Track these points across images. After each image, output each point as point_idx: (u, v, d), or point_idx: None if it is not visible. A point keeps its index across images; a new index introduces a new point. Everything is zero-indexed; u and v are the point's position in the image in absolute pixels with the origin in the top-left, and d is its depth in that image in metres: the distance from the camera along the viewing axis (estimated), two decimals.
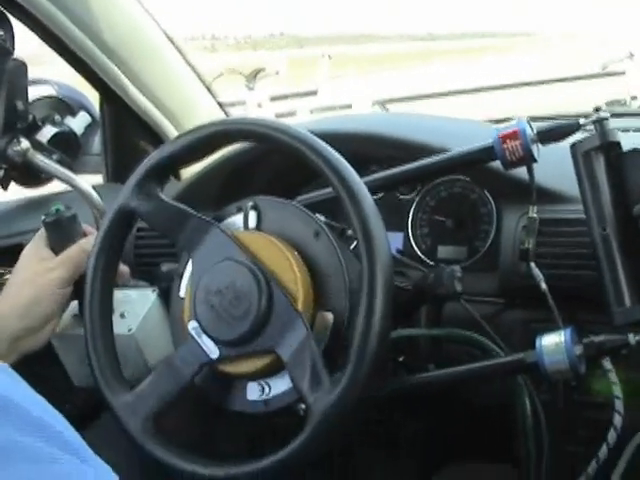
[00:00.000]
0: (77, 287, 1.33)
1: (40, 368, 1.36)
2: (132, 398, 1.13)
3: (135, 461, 1.22)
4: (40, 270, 1.30)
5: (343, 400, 0.99)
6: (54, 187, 1.81)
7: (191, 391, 1.14)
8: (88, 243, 1.32)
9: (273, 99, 2.56)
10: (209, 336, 1.12)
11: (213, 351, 1.11)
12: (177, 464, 1.09)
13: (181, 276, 1.23)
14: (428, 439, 1.74)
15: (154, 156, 1.23)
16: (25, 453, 0.55)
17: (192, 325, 1.13)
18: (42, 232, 1.34)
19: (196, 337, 1.13)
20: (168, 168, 1.25)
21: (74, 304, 1.41)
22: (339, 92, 2.60)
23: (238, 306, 1.09)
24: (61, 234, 1.33)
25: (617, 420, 1.13)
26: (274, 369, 1.12)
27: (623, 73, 2.12)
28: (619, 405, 1.14)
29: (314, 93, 2.69)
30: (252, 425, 1.55)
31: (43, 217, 1.33)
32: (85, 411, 1.58)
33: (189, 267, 1.21)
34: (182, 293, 1.22)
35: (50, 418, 0.60)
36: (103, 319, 1.23)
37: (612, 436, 1.12)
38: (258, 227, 1.19)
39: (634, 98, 1.80)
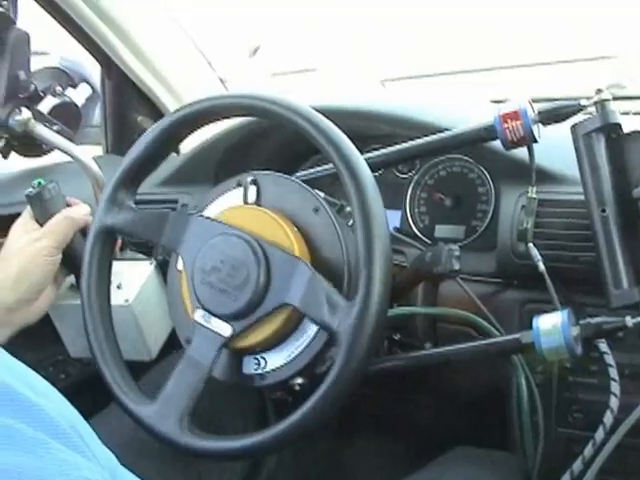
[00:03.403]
0: (68, 258, 1.34)
1: (37, 340, 1.37)
2: (160, 406, 1.11)
3: (135, 441, 1.23)
4: (27, 241, 1.31)
5: (364, 313, 0.98)
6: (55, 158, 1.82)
7: (212, 378, 1.13)
8: (72, 212, 1.35)
9: (274, 75, 2.55)
10: (217, 316, 1.12)
11: (226, 329, 1.11)
12: (216, 448, 1.08)
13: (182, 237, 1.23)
14: (422, 424, 1.75)
15: (122, 166, 1.23)
16: (18, 440, 0.52)
17: (198, 314, 1.13)
18: (27, 207, 1.36)
19: (205, 324, 1.12)
20: (142, 171, 1.25)
21: (71, 276, 1.41)
22: (339, 69, 2.58)
23: (237, 275, 1.09)
24: (44, 206, 1.35)
25: (613, 402, 1.13)
26: (289, 329, 1.12)
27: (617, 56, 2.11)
28: (615, 387, 1.14)
29: (313, 70, 2.68)
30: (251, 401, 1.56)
31: (26, 192, 1.34)
32: (81, 382, 1.59)
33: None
34: (179, 265, 1.22)
35: (32, 393, 0.57)
36: (100, 291, 1.23)
37: (608, 418, 1.12)
38: (257, 202, 1.19)
39: (634, 81, 1.80)
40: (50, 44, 1.89)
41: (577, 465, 1.12)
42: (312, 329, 1.11)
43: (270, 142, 1.66)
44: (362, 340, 0.99)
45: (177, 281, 1.23)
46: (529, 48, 2.33)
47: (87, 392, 1.15)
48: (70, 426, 0.57)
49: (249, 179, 1.20)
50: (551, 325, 1.08)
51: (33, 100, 1.60)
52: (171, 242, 1.18)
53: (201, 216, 1.19)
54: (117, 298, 1.35)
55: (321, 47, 2.91)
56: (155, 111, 1.93)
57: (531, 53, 2.26)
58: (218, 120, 1.24)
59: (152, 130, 1.22)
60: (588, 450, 1.12)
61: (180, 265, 1.22)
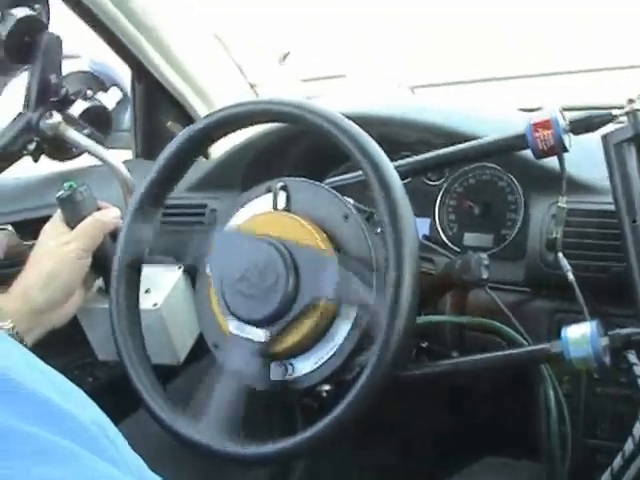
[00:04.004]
0: (97, 261, 1.35)
1: (65, 343, 1.38)
2: (210, 427, 1.10)
3: (163, 447, 1.23)
4: (57, 244, 1.33)
5: (393, 320, 0.99)
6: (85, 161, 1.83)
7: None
8: (102, 215, 1.37)
9: (305, 81, 2.55)
10: (251, 323, 1.12)
11: (261, 335, 1.11)
12: (262, 452, 1.09)
13: (207, 253, 1.23)
14: (449, 434, 1.74)
15: (150, 175, 1.24)
16: (24, 444, 0.48)
17: (232, 325, 1.14)
18: (58, 210, 1.37)
19: (240, 333, 1.13)
20: (171, 179, 1.26)
21: (100, 280, 1.42)
22: (368, 75, 2.58)
23: (266, 279, 1.10)
24: (75, 209, 1.36)
25: None
26: (323, 327, 1.12)
27: None
28: None
29: (343, 76, 2.68)
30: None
31: (57, 194, 1.35)
32: (108, 385, 1.59)
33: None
34: (208, 270, 1.23)
35: (62, 400, 0.54)
36: (129, 294, 1.24)
37: (638, 430, 1.11)
38: (287, 208, 1.19)
39: None
40: (81, 48, 1.90)
41: (606, 477, 1.12)
42: (341, 335, 1.11)
43: (299, 148, 1.66)
44: (390, 347, 0.99)
45: (205, 286, 1.23)
46: (560, 56, 2.32)
47: (114, 395, 1.15)
48: (101, 431, 0.56)
49: (279, 185, 1.21)
50: (580, 335, 1.07)
51: (64, 104, 1.61)
52: (197, 259, 1.19)
53: (223, 232, 1.19)
54: (146, 302, 1.36)
55: (351, 53, 2.91)
56: (185, 116, 1.93)
57: (561, 61, 2.26)
58: (248, 126, 1.25)
59: (180, 137, 1.23)
60: (617, 462, 1.11)
61: (208, 269, 1.22)
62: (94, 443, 0.53)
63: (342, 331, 1.11)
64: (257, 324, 1.11)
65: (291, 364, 1.15)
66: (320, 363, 1.13)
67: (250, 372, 1.13)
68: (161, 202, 1.26)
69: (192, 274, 1.35)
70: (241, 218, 1.22)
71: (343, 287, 1.05)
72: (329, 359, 1.12)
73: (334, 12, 3.05)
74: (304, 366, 1.14)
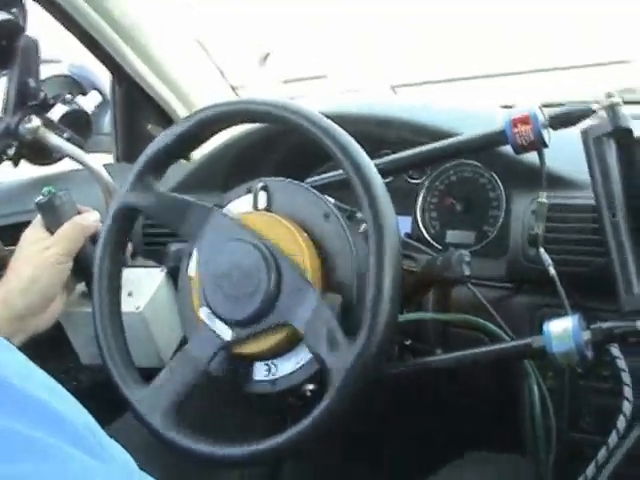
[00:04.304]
0: (78, 265, 1.35)
1: (48, 347, 1.37)
2: (150, 392, 1.13)
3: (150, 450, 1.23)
4: (37, 249, 1.33)
5: (362, 357, 0.99)
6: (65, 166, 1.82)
7: (205, 377, 1.14)
8: (82, 219, 1.36)
9: (286, 82, 2.55)
10: (221, 319, 1.12)
11: (227, 333, 1.12)
12: (202, 449, 1.09)
13: (189, 255, 1.23)
14: (433, 430, 1.75)
15: (151, 147, 1.23)
16: (27, 446, 0.50)
17: (203, 312, 1.14)
18: (38, 215, 1.37)
19: (209, 323, 1.13)
20: (169, 157, 1.26)
21: (82, 284, 1.42)
22: (349, 75, 2.58)
23: (247, 284, 1.10)
24: (55, 214, 1.35)
25: (626, 407, 1.13)
26: (289, 345, 1.12)
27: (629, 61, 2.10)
28: (628, 392, 1.14)
29: (324, 76, 2.68)
30: (263, 407, 1.56)
31: (36, 200, 1.35)
32: (92, 389, 1.59)
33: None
34: (190, 272, 1.22)
35: (58, 403, 0.55)
36: (112, 298, 1.23)
37: (622, 423, 1.12)
38: (268, 208, 1.19)
39: None
40: (60, 52, 1.90)
41: (590, 470, 1.12)
42: (318, 347, 1.11)
43: (281, 148, 1.66)
44: (372, 345, 0.99)
45: (187, 287, 1.23)
46: (540, 53, 2.33)
47: (98, 399, 1.15)
48: (87, 429, 0.56)
49: (259, 185, 1.20)
50: (562, 329, 1.07)
51: (43, 108, 1.61)
52: (191, 232, 1.19)
53: (223, 213, 1.19)
54: (128, 305, 1.36)
55: (331, 53, 2.91)
56: (166, 118, 1.93)
57: (542, 58, 2.26)
58: (229, 127, 1.24)
59: (163, 136, 1.23)
60: (601, 455, 1.12)
61: (191, 271, 1.22)
62: (79, 439, 0.54)
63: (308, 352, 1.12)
64: (228, 323, 1.12)
65: (274, 364, 1.15)
66: (303, 363, 1.13)
67: (216, 365, 1.13)
68: (135, 218, 1.26)
69: (174, 276, 1.34)
70: (231, 213, 1.22)
71: (312, 329, 1.06)
72: (311, 359, 1.12)
73: (326, 12, 3.05)
74: (287, 366, 1.14)
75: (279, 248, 1.11)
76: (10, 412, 0.51)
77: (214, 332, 1.12)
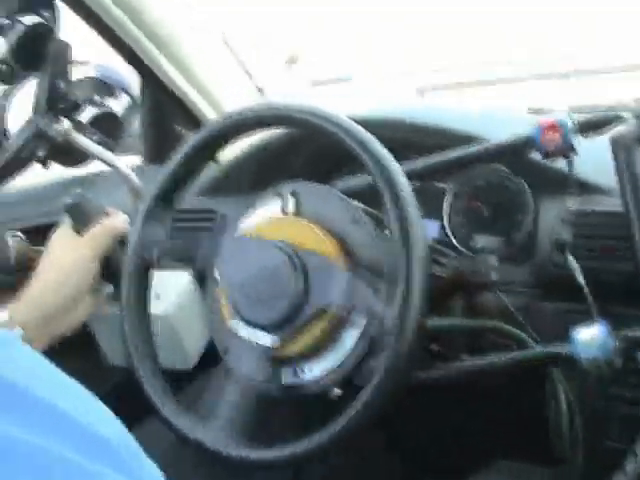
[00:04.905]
0: (106, 267, 1.36)
1: (75, 348, 1.38)
2: (222, 431, 1.12)
3: (175, 454, 1.23)
4: (64, 252, 1.34)
5: (392, 360, 1.00)
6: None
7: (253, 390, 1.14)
8: (110, 221, 1.36)
9: (314, 84, 2.56)
10: (258, 327, 1.12)
11: (269, 340, 1.11)
12: (234, 453, 1.10)
13: (216, 257, 1.24)
14: (460, 439, 1.74)
15: (159, 180, 1.24)
16: (29, 459, 0.44)
17: (240, 327, 1.14)
18: (66, 217, 1.38)
19: (249, 337, 1.13)
20: (181, 183, 1.26)
21: (109, 286, 1.43)
22: (375, 78, 2.58)
23: (276, 285, 1.10)
24: (82, 216, 1.36)
25: None
26: (329, 337, 1.12)
27: None
28: None
29: (349, 79, 2.68)
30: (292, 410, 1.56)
31: (64, 202, 1.36)
32: (119, 391, 1.60)
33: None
34: (218, 276, 1.23)
35: (74, 408, 0.50)
36: (139, 300, 1.24)
37: None
38: (296, 212, 1.20)
39: None
40: (90, 54, 1.91)
41: (619, 478, 1.11)
42: (351, 340, 1.11)
43: (307, 151, 1.66)
44: (401, 351, 0.99)
45: (215, 290, 1.23)
46: (569, 57, 2.32)
47: (126, 401, 1.16)
48: (123, 446, 0.52)
49: (288, 189, 1.21)
50: (590, 337, 1.07)
51: (73, 110, 1.62)
52: (206, 264, 1.20)
53: (233, 234, 1.20)
54: (156, 308, 1.36)
55: (360, 56, 2.91)
56: (194, 121, 1.93)
57: (570, 62, 2.25)
58: (257, 131, 1.25)
59: (189, 142, 1.23)
60: (630, 463, 1.11)
61: (218, 275, 1.22)
62: (117, 460, 0.50)
63: (352, 337, 1.11)
64: (266, 329, 1.11)
65: (302, 368, 1.15)
66: (331, 367, 1.13)
67: (259, 376, 1.13)
68: (171, 206, 1.27)
69: (202, 279, 1.35)
70: (250, 223, 1.22)
71: (352, 296, 1.06)
72: (340, 363, 1.12)
73: (336, 12, 3.05)
74: (315, 370, 1.14)
75: (305, 248, 1.11)
76: (7, 416, 0.46)
77: (257, 344, 1.12)
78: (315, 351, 1.13)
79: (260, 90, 2.05)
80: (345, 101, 2.29)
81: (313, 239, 1.13)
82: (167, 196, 1.25)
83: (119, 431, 0.54)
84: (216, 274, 1.23)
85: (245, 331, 1.13)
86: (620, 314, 1.23)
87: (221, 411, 1.10)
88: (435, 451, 1.79)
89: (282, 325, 1.10)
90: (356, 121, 1.11)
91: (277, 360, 1.15)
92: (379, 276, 1.12)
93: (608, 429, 1.32)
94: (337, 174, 1.61)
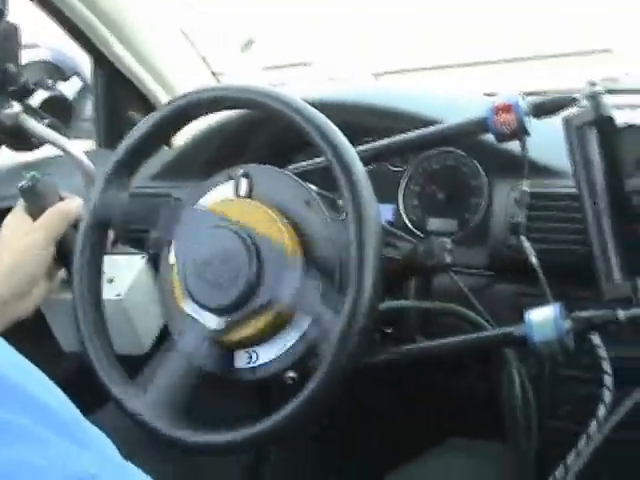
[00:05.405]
0: (60, 252, 1.34)
1: (29, 335, 1.36)
2: (152, 399, 1.11)
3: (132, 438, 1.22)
4: (18, 235, 1.32)
5: (344, 341, 0.99)
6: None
7: (194, 369, 1.13)
8: (64, 205, 1.35)
9: (268, 69, 2.54)
10: (205, 307, 1.12)
11: (215, 322, 1.11)
12: (210, 441, 1.09)
13: (170, 242, 1.23)
14: (413, 419, 1.75)
15: (115, 157, 1.23)
16: (19, 435, 0.51)
17: (188, 305, 1.13)
18: (20, 200, 1.36)
19: (195, 315, 1.12)
20: (150, 144, 1.25)
21: (63, 271, 1.41)
22: (332, 63, 2.57)
23: (228, 270, 1.09)
24: (37, 200, 1.34)
25: (607, 396, 1.13)
26: (274, 329, 1.12)
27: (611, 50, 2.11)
28: (608, 381, 1.14)
29: (307, 64, 2.67)
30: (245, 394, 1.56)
31: (19, 185, 1.34)
32: (73, 378, 1.58)
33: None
34: (171, 259, 1.22)
35: (43, 393, 0.56)
36: (92, 285, 1.23)
37: (602, 412, 1.12)
38: (249, 195, 1.19)
39: (627, 75, 1.79)
40: (40, 37, 1.89)
41: (571, 459, 1.12)
42: (304, 323, 1.11)
43: (262, 135, 1.65)
44: (353, 333, 0.99)
45: (169, 275, 1.23)
46: (523, 41, 2.33)
47: (80, 388, 1.15)
48: (70, 416, 0.57)
49: (240, 172, 1.20)
50: (543, 318, 1.07)
51: (23, 93, 1.59)
52: (164, 234, 1.19)
53: (193, 208, 1.19)
54: (109, 292, 1.35)
55: (313, 41, 2.91)
56: (147, 105, 1.92)
57: (526, 47, 2.26)
58: (210, 113, 1.24)
59: (145, 122, 1.22)
60: (582, 444, 1.12)
61: (172, 259, 1.22)
62: (63, 426, 0.55)
63: (291, 338, 1.12)
64: (213, 311, 1.11)
65: (255, 352, 1.14)
66: (283, 351, 1.13)
67: (209, 358, 1.13)
68: (124, 189, 1.25)
69: (156, 263, 1.34)
70: (203, 206, 1.21)
71: (302, 294, 1.05)
72: (292, 347, 1.12)
73: (326, 12, 3.05)
74: (268, 353, 1.14)
75: (259, 231, 1.11)
76: None
77: (202, 324, 1.12)
78: (266, 336, 1.13)
79: (215, 75, 2.04)
80: (300, 85, 2.28)
81: (266, 222, 1.12)
82: (121, 177, 1.23)
83: (60, 398, 0.58)
84: (171, 257, 1.22)
85: (192, 309, 1.12)
86: (574, 296, 1.24)
87: (172, 394, 1.10)
88: (389, 429, 1.80)
89: (230, 311, 1.10)
90: (310, 103, 1.10)
91: (228, 344, 1.14)
92: (332, 261, 1.11)
93: (560, 409, 1.33)
94: (293, 158, 1.60)
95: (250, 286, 1.08)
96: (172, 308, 1.21)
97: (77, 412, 0.59)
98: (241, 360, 1.15)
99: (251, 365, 1.15)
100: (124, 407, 1.13)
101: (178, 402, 1.10)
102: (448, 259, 1.19)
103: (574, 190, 1.20)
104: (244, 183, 1.19)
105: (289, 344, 1.12)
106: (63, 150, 1.57)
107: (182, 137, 1.67)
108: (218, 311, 1.11)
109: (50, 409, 0.55)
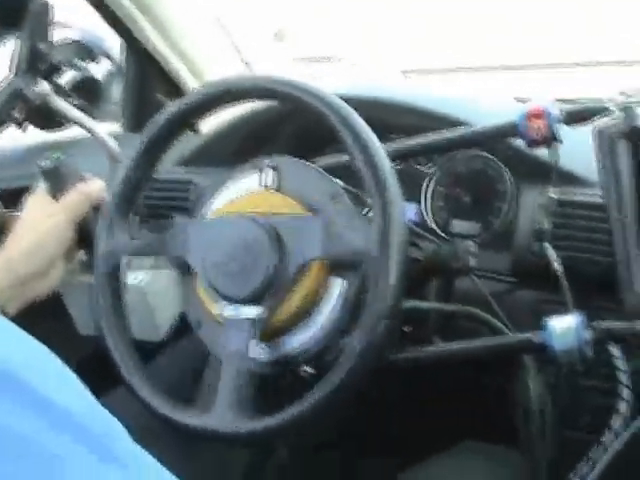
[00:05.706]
0: (80, 234, 1.34)
1: (46, 316, 1.37)
2: (228, 415, 1.07)
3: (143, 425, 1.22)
4: (40, 216, 1.31)
5: (367, 342, 1.00)
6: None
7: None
8: (86, 187, 1.33)
9: (299, 60, 2.54)
10: (242, 302, 1.10)
11: (254, 312, 1.09)
12: (200, 424, 1.09)
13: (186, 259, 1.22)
14: (429, 421, 1.74)
15: (158, 119, 1.22)
16: (22, 444, 0.45)
17: (221, 308, 1.12)
18: (41, 181, 1.36)
19: (234, 315, 1.11)
20: (176, 129, 1.24)
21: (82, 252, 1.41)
22: (362, 59, 2.57)
23: (249, 255, 1.09)
24: (59, 180, 1.33)
25: (623, 407, 1.12)
26: (309, 303, 1.12)
27: None
28: (626, 393, 1.13)
29: (337, 58, 2.67)
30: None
31: (41, 165, 1.33)
32: (89, 360, 1.58)
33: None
34: (191, 262, 1.21)
35: (63, 395, 0.50)
36: (112, 269, 1.22)
37: (617, 423, 1.11)
38: (275, 187, 1.18)
39: None
40: (73, 17, 1.88)
41: (584, 468, 1.11)
42: (328, 310, 1.11)
43: (290, 127, 1.65)
44: (380, 318, 0.99)
45: (192, 287, 1.22)
46: (556, 48, 2.32)
47: (95, 370, 1.14)
48: (101, 426, 0.51)
49: (267, 163, 1.19)
50: (564, 327, 1.07)
51: (53, 72, 1.60)
52: (178, 249, 1.18)
53: (198, 220, 1.19)
54: (129, 277, 1.35)
55: (344, 36, 2.91)
56: (176, 90, 1.91)
57: (559, 53, 2.25)
58: (239, 102, 1.23)
59: (168, 110, 1.21)
60: (596, 453, 1.11)
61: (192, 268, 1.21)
62: (91, 440, 0.49)
63: (330, 305, 1.11)
64: (248, 301, 1.10)
65: (276, 344, 1.14)
66: (301, 346, 1.12)
67: (239, 351, 1.11)
68: (149, 175, 1.25)
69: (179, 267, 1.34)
70: (228, 196, 1.21)
71: (330, 242, 1.05)
72: (310, 341, 1.11)
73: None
74: (290, 345, 1.13)
75: (280, 218, 1.11)
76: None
77: (244, 319, 1.10)
78: (298, 320, 1.12)
79: (246, 64, 2.04)
80: (329, 79, 2.28)
81: (289, 212, 1.12)
82: (143, 164, 1.23)
83: (85, 402, 0.53)
84: (190, 262, 1.21)
85: (229, 309, 1.10)
86: (595, 306, 1.23)
87: (219, 395, 1.09)
88: (402, 430, 1.79)
89: (263, 293, 1.09)
90: (340, 97, 1.10)
91: (267, 332, 1.12)
92: (356, 254, 1.11)
93: (576, 419, 1.32)
94: (321, 152, 1.60)
95: (275, 261, 1.08)
96: (191, 295, 1.20)
97: (110, 418, 0.54)
98: (255, 352, 1.14)
99: (274, 357, 1.14)
100: (148, 406, 1.13)
101: (244, 404, 1.08)
102: (472, 262, 1.18)
103: (601, 200, 1.19)
104: (270, 175, 1.18)
105: (307, 337, 1.11)
106: (89, 131, 1.57)
107: (209, 125, 1.66)
108: (252, 298, 1.10)
109: (76, 419, 0.49)
